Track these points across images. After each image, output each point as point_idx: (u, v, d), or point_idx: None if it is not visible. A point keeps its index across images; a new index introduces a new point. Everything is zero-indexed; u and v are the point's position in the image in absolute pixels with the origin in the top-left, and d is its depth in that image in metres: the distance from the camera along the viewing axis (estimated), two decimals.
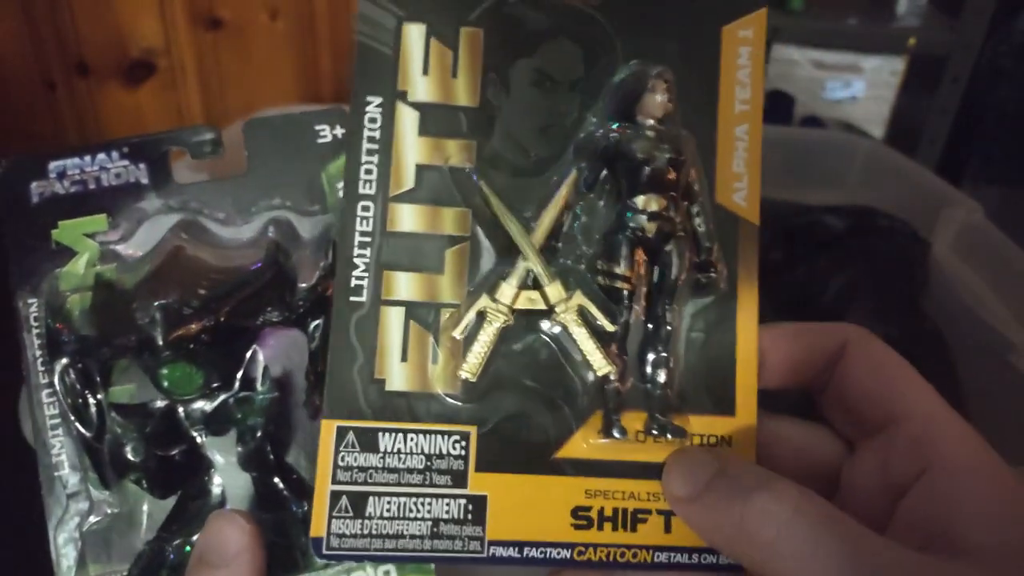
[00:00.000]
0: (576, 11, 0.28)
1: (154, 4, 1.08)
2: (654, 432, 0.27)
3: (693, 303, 0.28)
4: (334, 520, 0.26)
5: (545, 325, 0.28)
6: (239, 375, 0.30)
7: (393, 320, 0.27)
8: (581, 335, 0.27)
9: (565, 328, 0.27)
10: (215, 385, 0.30)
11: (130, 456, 0.30)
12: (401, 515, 0.27)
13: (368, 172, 0.27)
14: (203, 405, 0.30)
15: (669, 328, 0.27)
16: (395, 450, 0.27)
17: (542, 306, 0.27)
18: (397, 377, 0.27)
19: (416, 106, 0.28)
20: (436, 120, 0.28)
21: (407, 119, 0.27)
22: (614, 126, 0.28)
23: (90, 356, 0.30)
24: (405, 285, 0.27)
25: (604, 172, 0.28)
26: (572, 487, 0.27)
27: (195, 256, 0.30)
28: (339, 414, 0.27)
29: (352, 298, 0.27)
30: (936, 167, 1.16)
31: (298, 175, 0.30)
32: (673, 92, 0.27)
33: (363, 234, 0.27)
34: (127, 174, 0.30)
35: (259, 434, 0.29)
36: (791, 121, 1.43)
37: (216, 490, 0.30)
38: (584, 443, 0.27)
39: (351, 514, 0.26)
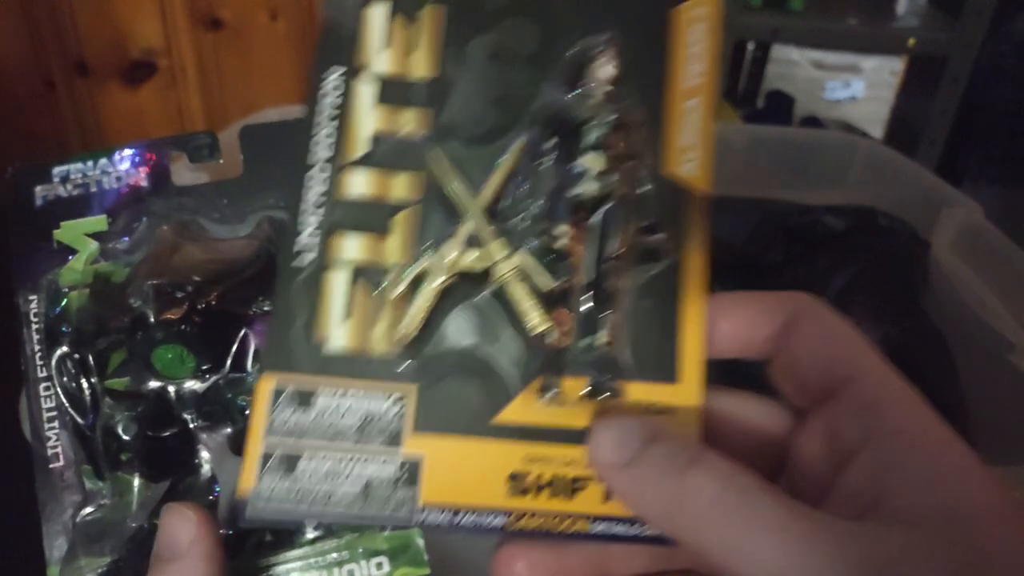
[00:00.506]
0: None
1: (154, 4, 1.09)
2: (592, 393, 0.27)
3: (640, 270, 0.28)
4: (264, 478, 0.26)
5: (485, 285, 0.28)
6: (230, 357, 0.30)
7: (337, 281, 0.27)
8: (520, 293, 0.27)
9: (505, 287, 0.27)
10: (206, 367, 0.30)
11: (122, 434, 0.30)
12: (332, 476, 0.26)
13: (321, 139, 0.28)
14: (194, 387, 0.30)
15: (612, 289, 0.27)
16: (330, 409, 0.27)
17: (484, 265, 0.27)
18: (338, 337, 0.27)
19: (375, 77, 0.28)
20: (394, 90, 0.28)
21: (365, 89, 0.28)
22: (562, 95, 0.28)
23: (87, 346, 0.30)
24: (351, 247, 0.28)
25: (552, 136, 0.28)
26: (510, 452, 0.27)
27: (189, 247, 0.31)
28: (276, 371, 0.27)
29: (294, 263, 0.27)
30: (936, 167, 1.16)
31: (293, 177, 0.30)
32: (620, 58, 0.28)
33: (312, 203, 0.28)
34: (127, 177, 0.31)
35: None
36: (791, 121, 1.43)
37: (207, 473, 0.30)
38: (525, 407, 0.27)
39: (281, 474, 0.26)
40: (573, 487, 0.26)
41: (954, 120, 1.19)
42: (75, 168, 0.31)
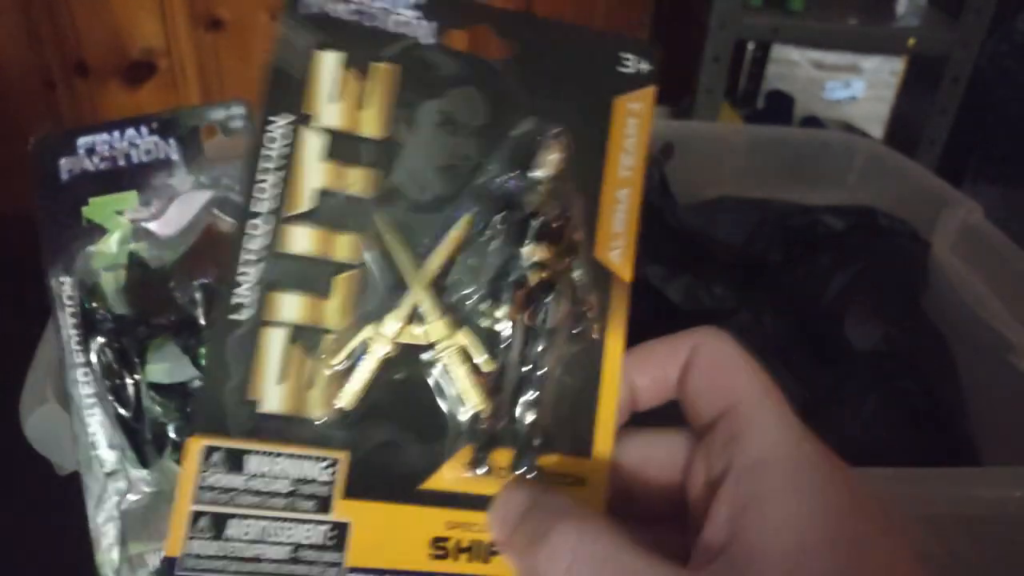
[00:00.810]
0: (486, 64, 0.29)
1: (154, 4, 1.09)
2: (516, 467, 0.28)
3: (567, 350, 0.29)
4: (192, 540, 0.26)
5: (426, 359, 0.28)
6: None
7: (273, 341, 0.27)
8: (460, 372, 0.28)
9: (445, 364, 0.28)
10: None
11: (173, 436, 0.30)
12: (261, 539, 0.26)
13: (264, 191, 0.27)
14: None
15: (542, 372, 0.28)
16: (261, 472, 0.26)
17: (425, 341, 0.28)
18: (271, 399, 0.27)
19: (322, 131, 0.28)
20: (340, 147, 0.28)
21: (311, 142, 0.28)
22: (510, 176, 0.29)
23: (126, 335, 0.30)
24: (290, 306, 0.27)
25: (497, 219, 0.29)
26: (434, 518, 0.27)
27: (229, 234, 0.30)
28: (206, 433, 0.26)
29: (232, 316, 0.27)
30: (936, 167, 1.16)
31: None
32: (567, 152, 0.29)
33: (251, 252, 0.27)
34: (157, 150, 0.30)
35: None
36: (791, 121, 1.43)
37: None
38: (451, 476, 0.28)
39: (210, 535, 0.26)
40: (489, 551, 0.28)
41: (954, 120, 1.19)
42: (101, 140, 0.29)
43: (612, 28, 1.16)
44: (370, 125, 0.28)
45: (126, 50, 1.11)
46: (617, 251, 0.30)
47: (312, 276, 0.27)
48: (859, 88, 1.44)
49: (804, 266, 0.71)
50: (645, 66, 0.30)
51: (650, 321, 0.76)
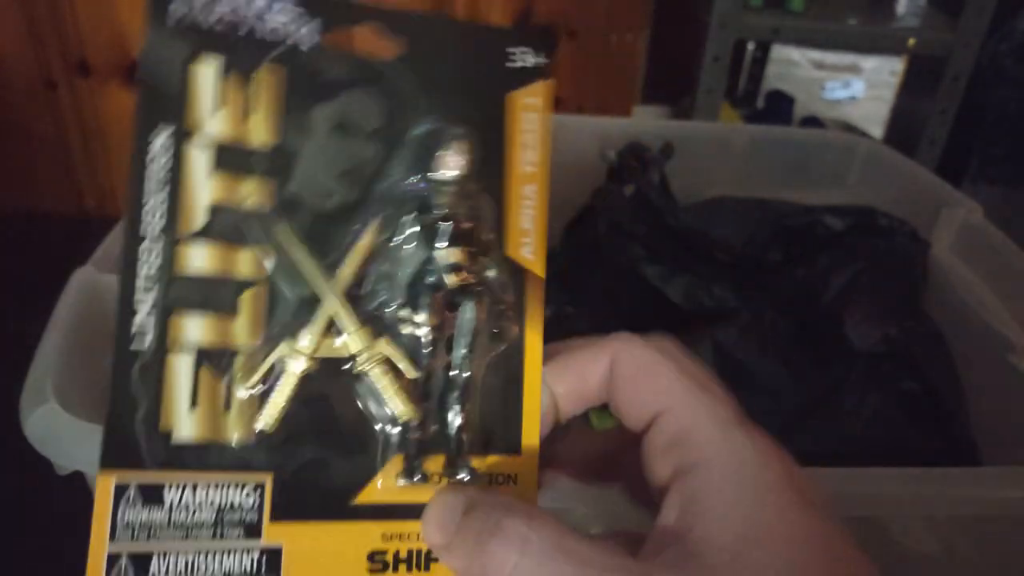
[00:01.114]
0: (375, 65, 0.28)
1: None
2: (450, 474, 0.28)
3: (489, 350, 0.29)
4: None
5: (348, 372, 0.27)
6: None
7: (180, 367, 0.26)
8: (384, 382, 0.27)
9: (368, 375, 0.27)
10: None
11: None
12: (189, 574, 0.25)
13: (152, 212, 0.26)
14: None
15: (467, 375, 0.28)
16: (183, 504, 0.25)
17: (346, 353, 0.27)
18: (185, 427, 0.26)
19: (210, 141, 0.26)
20: (229, 159, 0.27)
21: (197, 157, 0.26)
22: (417, 178, 0.28)
23: None
24: (194, 330, 0.26)
25: (407, 222, 0.28)
26: (369, 532, 0.27)
27: None
28: (118, 469, 0.25)
29: (132, 346, 0.25)
30: (936, 167, 1.16)
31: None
32: (471, 152, 0.29)
33: (147, 277, 0.26)
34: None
35: None
36: (791, 121, 1.43)
37: None
38: (384, 488, 0.27)
39: None
40: (428, 560, 0.27)
41: (954, 120, 1.19)
42: None
43: (614, 23, 1.16)
44: (259, 133, 0.27)
45: (127, 50, 1.11)
46: (528, 248, 0.29)
47: (215, 295, 0.26)
48: (859, 88, 1.44)
49: (804, 266, 0.71)
50: (536, 59, 0.29)
51: (650, 321, 0.77)
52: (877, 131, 1.42)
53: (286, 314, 0.27)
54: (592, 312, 0.74)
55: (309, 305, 0.27)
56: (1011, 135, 1.35)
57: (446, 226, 0.28)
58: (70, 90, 1.13)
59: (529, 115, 0.29)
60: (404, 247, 0.28)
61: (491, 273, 0.29)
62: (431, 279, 0.28)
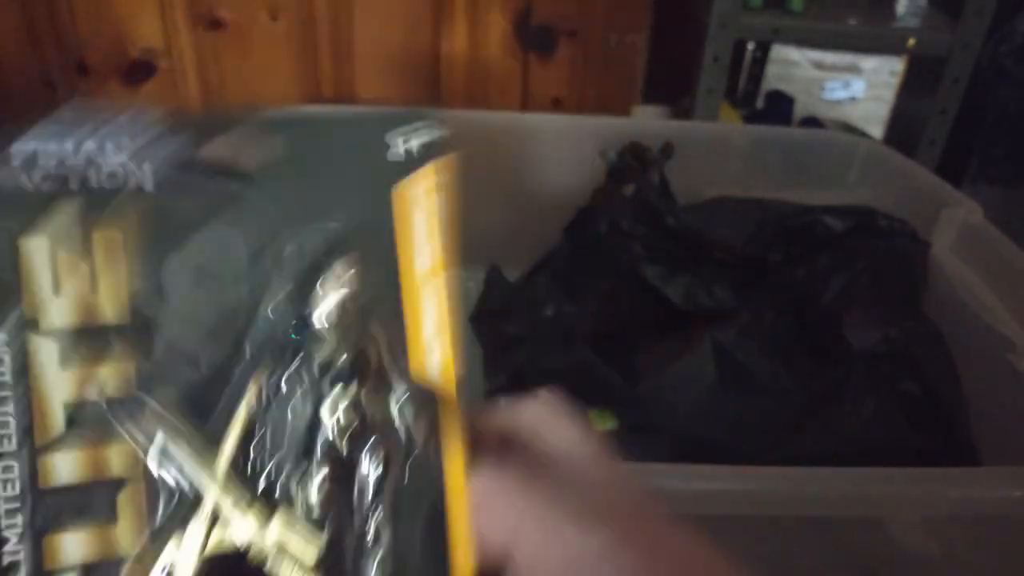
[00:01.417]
0: (228, 189, 0.25)
1: (154, 4, 1.09)
2: None
3: (403, 490, 0.26)
4: None
5: (246, 563, 0.24)
6: None
7: None
8: (286, 568, 0.24)
9: (268, 562, 0.24)
10: None
11: None
12: None
13: (6, 424, 0.23)
14: None
15: (380, 534, 0.26)
16: None
17: (239, 543, 0.24)
18: None
19: (52, 334, 0.23)
20: (81, 345, 0.23)
21: (45, 351, 0.23)
22: (293, 322, 0.25)
23: None
24: (74, 547, 0.23)
25: (289, 375, 0.25)
26: None
27: None
28: None
29: None
30: (936, 167, 1.16)
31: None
32: (351, 281, 0.25)
33: (10, 499, 0.23)
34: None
35: None
36: (791, 121, 1.43)
37: None
38: None
39: None
40: None
41: (954, 120, 1.19)
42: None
43: (614, 23, 1.15)
44: (109, 309, 0.24)
45: (126, 50, 1.11)
46: (434, 358, 0.26)
47: (90, 504, 0.23)
48: (859, 88, 1.44)
49: (804, 266, 0.71)
50: (419, 141, 0.26)
51: (650, 321, 0.77)
52: (877, 131, 1.42)
53: (169, 507, 0.24)
54: (592, 312, 0.74)
55: (193, 493, 0.24)
56: (1011, 135, 1.35)
57: (332, 371, 0.25)
58: (69, 90, 1.13)
59: (419, 206, 0.26)
60: (289, 404, 0.25)
61: (395, 404, 0.26)
62: (320, 437, 0.25)
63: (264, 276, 0.25)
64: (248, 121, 0.25)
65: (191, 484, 0.24)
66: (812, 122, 1.42)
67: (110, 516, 0.23)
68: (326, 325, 0.25)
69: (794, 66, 1.44)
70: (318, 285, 0.25)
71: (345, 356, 0.25)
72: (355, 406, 0.25)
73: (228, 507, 0.24)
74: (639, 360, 0.66)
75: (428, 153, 0.26)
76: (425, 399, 0.26)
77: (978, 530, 0.49)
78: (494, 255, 0.84)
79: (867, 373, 0.62)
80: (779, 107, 1.44)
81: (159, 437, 0.24)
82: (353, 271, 0.25)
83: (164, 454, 0.24)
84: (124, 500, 0.24)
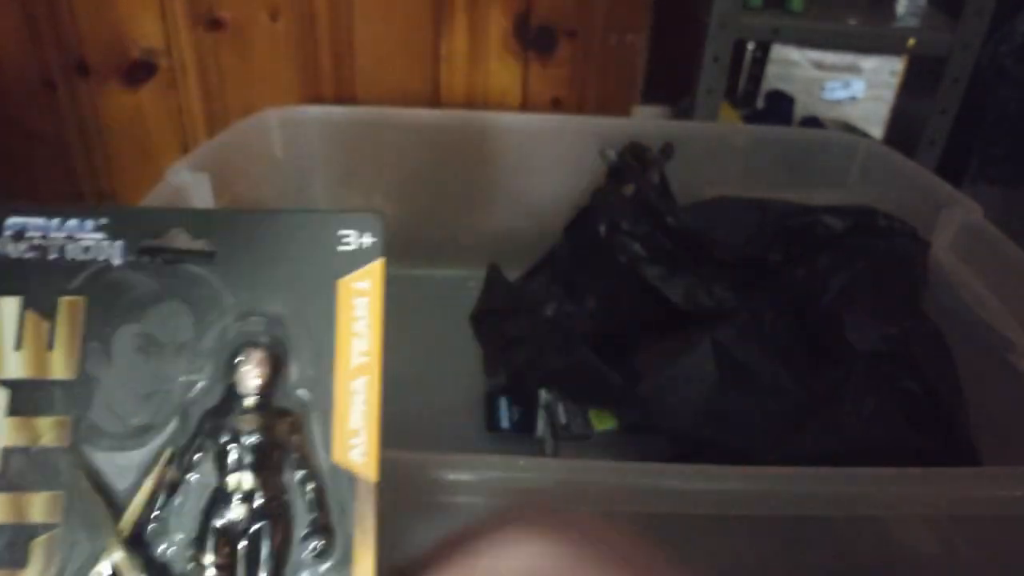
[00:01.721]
0: (187, 271, 0.27)
1: (154, 4, 1.08)
2: None
3: (310, 572, 0.26)
4: None
5: None
6: None
7: None
8: None
9: None
10: None
11: None
12: None
13: None
14: None
15: None
16: None
17: None
18: None
19: (6, 384, 0.25)
20: (28, 398, 0.25)
21: None
22: (216, 397, 0.26)
23: None
24: None
25: (200, 448, 0.26)
26: None
27: None
28: None
29: None
30: (936, 167, 1.16)
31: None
32: (267, 363, 0.27)
33: None
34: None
35: None
36: (791, 121, 1.43)
37: None
38: None
39: None
40: None
41: (954, 120, 1.18)
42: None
43: (614, 23, 1.15)
44: (59, 367, 0.26)
45: (126, 50, 1.11)
46: (358, 450, 0.27)
47: (6, 546, 0.24)
48: (859, 88, 1.44)
49: (804, 266, 0.71)
50: (368, 239, 0.28)
51: (650, 321, 0.77)
52: (877, 131, 1.42)
53: (79, 560, 0.25)
54: (592, 312, 0.74)
55: (98, 552, 0.25)
56: (1011, 135, 1.35)
57: (237, 451, 0.26)
58: (69, 90, 1.13)
59: (361, 300, 0.27)
60: (196, 476, 0.26)
61: (302, 490, 0.26)
62: (221, 512, 0.25)
63: (203, 352, 0.27)
64: (183, 222, 0.27)
65: (96, 543, 0.25)
66: (812, 122, 1.42)
67: (21, 561, 0.25)
68: (249, 405, 0.26)
69: (794, 66, 1.44)
70: (249, 365, 0.26)
71: (262, 438, 0.26)
72: (256, 489, 0.26)
73: (124, 570, 0.25)
74: (639, 360, 0.67)
75: (374, 250, 0.28)
76: (343, 481, 0.26)
77: (978, 530, 0.49)
78: (494, 255, 0.84)
79: (867, 373, 0.62)
80: (779, 107, 1.43)
81: (79, 490, 0.25)
82: (268, 363, 0.26)
83: (81, 509, 0.25)
84: (37, 547, 0.25)
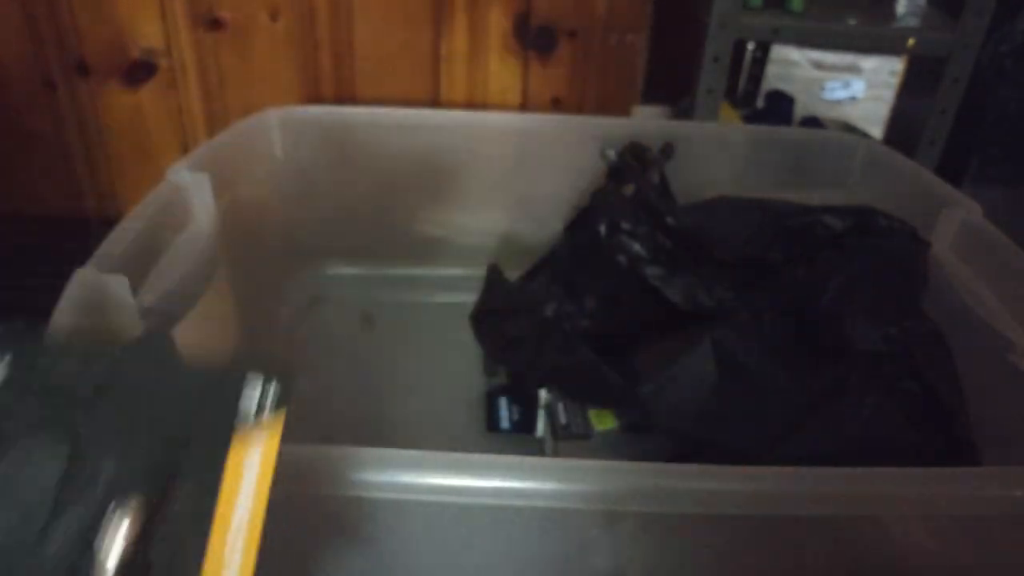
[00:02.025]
0: (60, 412, 0.25)
1: (154, 4, 1.08)
2: None
3: None
4: None
5: None
6: None
7: None
8: None
9: None
10: None
11: None
12: None
13: None
14: None
15: None
16: None
17: None
18: None
19: None
20: None
21: None
22: (79, 549, 0.24)
23: None
24: None
25: None
26: None
27: None
28: None
29: None
30: (936, 167, 1.16)
31: None
32: (140, 523, 0.25)
33: None
34: None
35: None
36: (791, 121, 1.43)
37: None
38: None
39: None
40: None
41: (954, 120, 1.18)
42: None
43: (614, 23, 1.15)
44: None
45: (126, 50, 1.11)
46: None
47: None
48: (859, 88, 1.44)
49: (804, 266, 0.71)
50: (271, 395, 0.27)
51: (650, 321, 0.76)
52: (877, 131, 1.42)
53: None
54: (592, 312, 0.74)
55: None
56: (1011, 135, 1.35)
57: None
58: (69, 90, 1.13)
59: (252, 459, 0.26)
60: None
61: None
62: None
63: (68, 497, 0.24)
64: (98, 350, 0.26)
65: None
66: (812, 122, 1.42)
67: None
68: (110, 558, 0.24)
69: (794, 66, 1.44)
70: (115, 517, 0.24)
71: None
72: None
73: None
74: (639, 360, 0.66)
75: (276, 407, 0.27)
76: None
77: (978, 530, 0.49)
78: (494, 255, 0.84)
79: (867, 373, 0.62)
80: (779, 107, 1.43)
81: None
82: (137, 523, 0.25)
83: None
84: None
